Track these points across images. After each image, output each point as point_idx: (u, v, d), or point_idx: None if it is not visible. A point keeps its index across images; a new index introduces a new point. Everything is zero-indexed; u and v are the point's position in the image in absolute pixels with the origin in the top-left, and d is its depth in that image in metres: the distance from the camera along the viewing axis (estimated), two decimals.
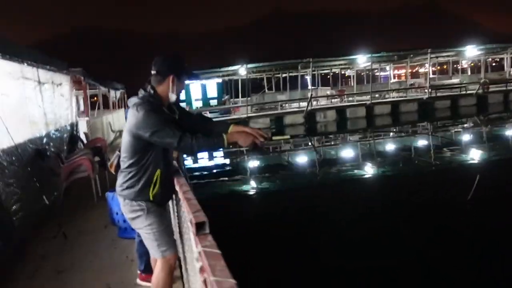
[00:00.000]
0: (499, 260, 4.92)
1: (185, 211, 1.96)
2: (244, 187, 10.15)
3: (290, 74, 31.36)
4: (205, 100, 27.86)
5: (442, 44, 51.37)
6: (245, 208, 8.23)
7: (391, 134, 18.69)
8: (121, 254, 4.15)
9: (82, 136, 10.13)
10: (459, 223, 6.31)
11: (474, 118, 20.64)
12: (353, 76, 33.70)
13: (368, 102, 22.24)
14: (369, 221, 6.63)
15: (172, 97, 2.49)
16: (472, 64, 39.15)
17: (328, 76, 36.57)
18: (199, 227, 1.60)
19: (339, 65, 30.17)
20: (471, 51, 25.15)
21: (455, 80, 29.37)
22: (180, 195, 2.22)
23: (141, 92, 2.45)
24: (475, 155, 11.72)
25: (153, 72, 2.46)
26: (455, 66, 37.92)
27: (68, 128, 8.78)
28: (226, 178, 11.57)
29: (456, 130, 17.88)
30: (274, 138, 2.65)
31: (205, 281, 1.32)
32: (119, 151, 2.64)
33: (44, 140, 6.62)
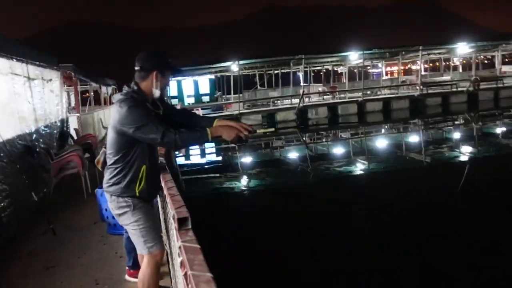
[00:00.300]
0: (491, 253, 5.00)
1: (169, 207, 1.99)
2: (235, 183, 10.18)
3: (283, 70, 31.36)
4: (197, 96, 27.76)
5: (438, 42, 51.38)
6: (235, 203, 8.29)
7: (382, 130, 18.83)
8: (110, 250, 4.17)
9: (73, 132, 10.09)
10: (452, 217, 6.38)
11: (464, 115, 20.83)
12: (345, 73, 33.72)
13: (360, 99, 22.32)
14: (353, 219, 6.63)
15: (156, 93, 2.50)
16: (464, 62, 39.34)
17: (321, 73, 36.63)
18: (181, 222, 1.62)
19: (331, 62, 30.18)
20: (463, 49, 25.25)
21: (446, 78, 29.52)
22: (165, 191, 2.24)
23: (125, 89, 2.46)
24: (464, 151, 11.87)
25: (136, 68, 2.48)
26: (446, 63, 38.10)
27: (58, 124, 8.73)
28: (218, 174, 11.60)
29: (445, 126, 18.07)
30: (258, 131, 2.67)
31: (185, 275, 1.35)
32: (105, 147, 2.66)
33: (34, 136, 6.58)
